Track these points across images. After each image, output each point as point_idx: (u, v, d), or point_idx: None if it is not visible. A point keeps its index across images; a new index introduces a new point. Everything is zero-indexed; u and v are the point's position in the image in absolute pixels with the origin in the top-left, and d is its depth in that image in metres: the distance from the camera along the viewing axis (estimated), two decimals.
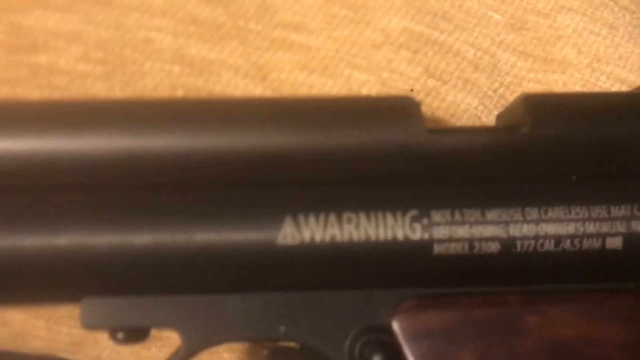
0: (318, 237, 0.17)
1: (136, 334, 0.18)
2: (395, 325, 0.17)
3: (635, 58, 0.25)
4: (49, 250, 0.17)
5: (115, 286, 0.17)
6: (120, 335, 0.18)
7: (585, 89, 0.25)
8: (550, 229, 0.17)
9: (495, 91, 0.24)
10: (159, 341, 0.23)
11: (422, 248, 0.17)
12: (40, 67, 0.22)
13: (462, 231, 0.17)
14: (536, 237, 0.17)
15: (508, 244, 0.17)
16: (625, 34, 0.25)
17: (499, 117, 0.21)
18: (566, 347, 0.16)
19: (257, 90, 0.23)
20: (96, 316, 0.17)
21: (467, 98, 0.24)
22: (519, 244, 0.17)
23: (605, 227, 0.17)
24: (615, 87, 0.25)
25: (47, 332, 0.23)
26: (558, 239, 0.17)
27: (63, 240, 0.17)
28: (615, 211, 0.17)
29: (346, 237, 0.17)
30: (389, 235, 0.17)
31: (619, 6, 0.26)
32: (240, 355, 0.22)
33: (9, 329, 0.23)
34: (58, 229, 0.17)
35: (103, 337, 0.23)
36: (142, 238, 0.17)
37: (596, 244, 0.17)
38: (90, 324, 0.17)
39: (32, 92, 0.21)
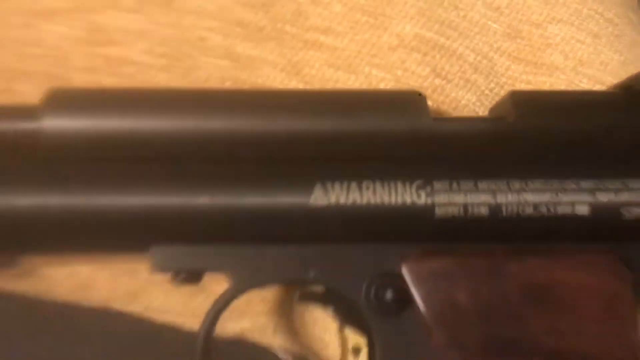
0: (342, 200, 0.21)
1: (193, 277, 0.22)
2: (404, 271, 0.21)
3: (615, 63, 0.29)
4: (131, 208, 0.21)
5: (180, 237, 0.21)
6: (180, 277, 0.22)
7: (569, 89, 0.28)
8: (529, 197, 0.21)
9: (491, 90, 0.28)
10: (203, 292, 0.26)
11: (426, 211, 0.21)
12: (113, 58, 0.26)
13: (458, 198, 0.21)
14: (518, 204, 0.21)
15: (495, 209, 0.21)
16: (608, 43, 0.29)
17: (491, 109, 0.25)
18: (539, 288, 0.20)
19: (291, 83, 0.27)
20: (163, 261, 0.21)
21: (467, 95, 0.28)
22: (504, 209, 0.21)
23: (574, 197, 0.21)
24: (596, 88, 0.29)
25: (109, 283, 0.27)
26: (536, 205, 0.21)
27: (142, 199, 0.21)
28: (583, 184, 0.21)
29: (364, 201, 0.21)
30: (399, 200, 0.21)
31: (604, 18, 0.30)
32: (273, 305, 0.26)
33: (74, 281, 0.27)
34: (138, 191, 0.21)
35: (155, 289, 0.27)
36: (202, 199, 0.21)
37: (567, 210, 0.21)
38: (158, 268, 0.21)
39: (107, 79, 0.25)
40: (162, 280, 0.26)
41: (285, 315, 0.26)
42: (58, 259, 0.26)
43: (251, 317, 0.27)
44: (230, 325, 0.26)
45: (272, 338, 0.27)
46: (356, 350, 0.24)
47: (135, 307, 0.27)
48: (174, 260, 0.21)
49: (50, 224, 0.21)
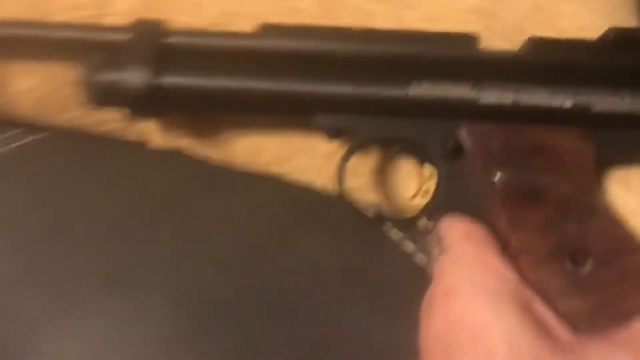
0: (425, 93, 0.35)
1: (339, 134, 0.37)
2: (462, 132, 0.35)
3: None
4: (306, 91, 0.36)
5: (332, 109, 0.36)
6: (329, 133, 0.37)
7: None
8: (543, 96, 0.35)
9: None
10: (334, 158, 0.40)
11: (472, 102, 0.35)
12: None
13: (494, 94, 0.35)
14: (536, 99, 0.35)
15: (518, 102, 0.35)
16: None
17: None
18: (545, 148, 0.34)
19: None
20: (324, 123, 0.36)
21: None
22: (525, 102, 0.35)
23: (564, 98, 0.35)
24: None
25: (272, 149, 0.41)
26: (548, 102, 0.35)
27: (312, 85, 0.36)
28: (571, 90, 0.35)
29: (438, 94, 0.35)
30: (459, 94, 0.35)
31: None
32: (371, 168, 0.40)
33: (248, 148, 0.41)
34: (314, 80, 0.36)
35: (302, 154, 0.41)
36: (346, 88, 0.36)
37: (559, 103, 0.35)
38: (322, 125, 0.36)
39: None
40: (308, 147, 0.41)
41: (381, 174, 0.41)
42: (243, 129, 0.41)
43: (356, 177, 0.41)
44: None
45: (369, 195, 0.41)
46: (426, 192, 0.38)
47: (286, 168, 0.42)
48: (329, 123, 0.36)
49: (247, 99, 0.36)
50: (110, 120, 0.42)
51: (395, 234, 0.42)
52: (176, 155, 0.43)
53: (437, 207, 0.35)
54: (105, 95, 0.36)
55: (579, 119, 0.35)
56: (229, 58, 0.36)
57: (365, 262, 0.41)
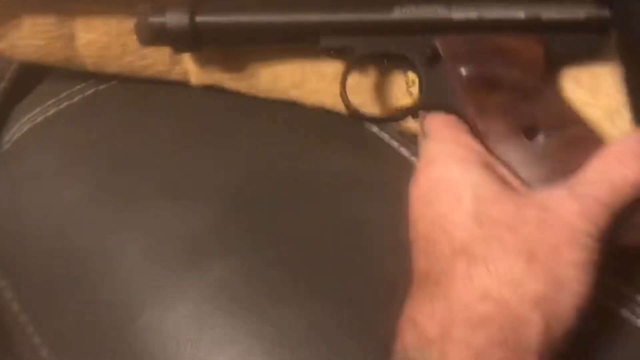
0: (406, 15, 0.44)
1: (340, 53, 0.46)
2: (437, 43, 0.44)
3: None
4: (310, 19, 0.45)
5: (332, 32, 0.45)
6: (331, 53, 0.46)
7: None
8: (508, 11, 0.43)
9: None
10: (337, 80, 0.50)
11: (445, 19, 0.44)
12: None
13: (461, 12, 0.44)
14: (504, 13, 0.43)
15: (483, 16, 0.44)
16: None
17: None
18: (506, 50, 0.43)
19: None
20: (327, 45, 0.45)
21: None
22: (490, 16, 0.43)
23: (519, 10, 0.43)
24: None
25: (287, 76, 0.50)
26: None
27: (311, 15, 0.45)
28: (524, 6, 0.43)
29: (417, 15, 0.44)
30: (434, 14, 0.44)
31: None
32: (369, 84, 0.49)
33: (269, 76, 0.51)
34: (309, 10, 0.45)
35: (313, 77, 0.50)
36: (343, 15, 0.45)
37: (515, 15, 0.43)
38: (324, 46, 0.45)
39: None
40: (318, 74, 0.50)
41: (379, 89, 0.49)
42: (264, 61, 0.50)
43: (358, 94, 0.50)
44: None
45: (370, 109, 0.50)
46: (411, 95, 0.47)
47: (301, 92, 0.51)
48: (330, 43, 0.45)
49: (265, 30, 0.45)
50: (157, 64, 0.52)
51: (395, 141, 0.51)
52: (211, 90, 0.53)
53: (421, 106, 0.44)
54: (154, 35, 0.46)
55: (530, 26, 0.43)
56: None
57: (370, 164, 0.50)
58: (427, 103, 0.44)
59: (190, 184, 0.50)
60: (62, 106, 0.56)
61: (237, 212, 0.48)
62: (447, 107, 0.43)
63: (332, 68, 0.48)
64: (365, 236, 0.46)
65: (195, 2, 0.45)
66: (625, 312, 0.42)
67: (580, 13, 0.43)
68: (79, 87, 0.56)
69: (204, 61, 0.51)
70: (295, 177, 0.49)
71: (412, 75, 0.45)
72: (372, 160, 0.51)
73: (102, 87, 0.56)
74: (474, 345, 0.32)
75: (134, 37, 0.47)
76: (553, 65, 0.44)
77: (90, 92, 0.56)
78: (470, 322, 0.33)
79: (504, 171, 0.40)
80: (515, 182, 0.40)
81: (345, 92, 0.46)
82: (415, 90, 0.45)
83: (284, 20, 0.45)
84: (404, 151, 0.50)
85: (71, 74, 0.55)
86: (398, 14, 0.44)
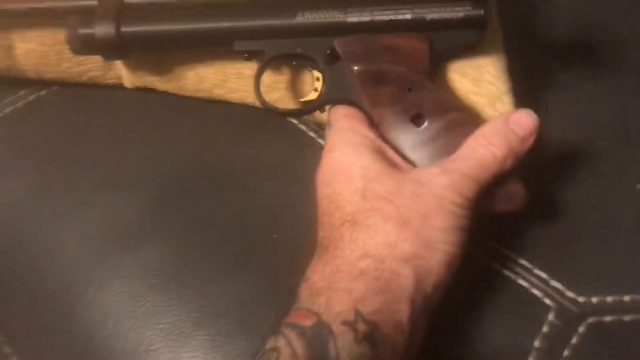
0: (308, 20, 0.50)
1: (252, 55, 0.51)
2: (336, 44, 0.50)
3: None
4: (222, 25, 0.50)
5: (244, 37, 0.51)
6: (245, 56, 0.51)
7: None
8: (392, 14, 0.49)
9: None
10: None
11: (342, 22, 0.50)
12: None
13: (355, 16, 0.50)
14: (392, 14, 0.49)
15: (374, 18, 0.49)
16: None
17: None
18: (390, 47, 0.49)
19: None
20: (241, 48, 0.51)
21: None
22: (379, 18, 0.49)
23: (408, 11, 0.49)
24: None
25: (210, 77, 0.56)
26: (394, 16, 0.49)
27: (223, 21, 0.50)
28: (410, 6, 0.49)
29: (317, 19, 0.50)
30: (332, 18, 0.50)
31: None
32: (284, 82, 0.55)
33: (194, 79, 0.57)
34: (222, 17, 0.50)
35: (233, 78, 0.56)
36: (252, 21, 0.50)
37: (403, 16, 0.49)
38: (238, 50, 0.51)
39: None
40: (237, 74, 0.56)
41: (291, 86, 0.55)
42: (189, 65, 0.55)
43: (275, 91, 0.56)
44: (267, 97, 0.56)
45: (286, 104, 0.56)
46: (316, 90, 0.53)
47: (224, 90, 0.57)
48: (244, 47, 0.51)
49: (184, 37, 0.50)
50: (92, 70, 0.57)
51: (312, 132, 0.57)
52: (144, 91, 0.58)
53: (325, 100, 0.50)
54: (84, 45, 0.51)
55: (416, 26, 0.49)
56: (169, 9, 0.51)
57: (290, 153, 0.56)
58: (330, 97, 0.50)
59: (124, 176, 0.55)
60: (6, 111, 0.60)
61: (168, 200, 0.53)
62: (347, 100, 0.49)
63: (250, 69, 0.54)
64: (284, 218, 0.52)
65: (121, 13, 0.50)
66: (506, 272, 0.49)
67: (459, 13, 0.50)
68: (21, 93, 0.61)
69: (134, 66, 0.56)
70: (222, 167, 0.55)
71: (316, 73, 0.51)
72: (292, 150, 0.56)
73: (43, 92, 0.61)
74: (354, 292, 0.39)
75: None
76: (438, 59, 0.50)
77: (32, 97, 0.61)
78: (351, 275, 0.39)
79: (392, 154, 0.46)
80: (402, 163, 0.46)
81: (259, 90, 0.51)
82: (320, 86, 0.51)
83: (201, 27, 0.50)
84: (321, 141, 0.56)
85: (14, 81, 0.60)
86: (301, 18, 0.50)
